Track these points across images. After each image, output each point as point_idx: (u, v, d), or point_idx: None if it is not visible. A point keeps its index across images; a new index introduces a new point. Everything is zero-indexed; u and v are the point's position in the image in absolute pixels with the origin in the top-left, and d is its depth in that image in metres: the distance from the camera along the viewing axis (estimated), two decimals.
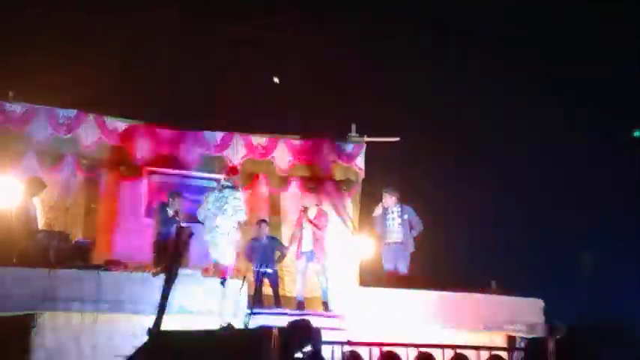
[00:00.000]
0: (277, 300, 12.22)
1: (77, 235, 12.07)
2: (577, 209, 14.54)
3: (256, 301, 11.84)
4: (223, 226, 11.34)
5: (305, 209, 12.34)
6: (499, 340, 11.53)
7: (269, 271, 12.16)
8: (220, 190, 11.71)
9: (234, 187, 11.74)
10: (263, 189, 13.78)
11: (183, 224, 11.67)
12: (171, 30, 14.19)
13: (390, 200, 12.45)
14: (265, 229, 12.54)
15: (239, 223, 11.48)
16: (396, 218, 12.38)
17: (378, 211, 12.56)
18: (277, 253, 12.55)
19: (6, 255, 10.42)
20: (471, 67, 15.12)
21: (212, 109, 14.07)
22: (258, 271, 12.09)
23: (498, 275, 12.47)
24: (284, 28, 14.92)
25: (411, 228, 12.36)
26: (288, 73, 15.11)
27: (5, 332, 9.54)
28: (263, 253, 12.23)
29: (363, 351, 9.44)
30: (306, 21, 14.95)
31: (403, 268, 12.31)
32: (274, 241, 12.61)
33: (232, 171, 12.05)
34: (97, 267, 10.70)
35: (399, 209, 12.41)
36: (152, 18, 13.85)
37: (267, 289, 12.40)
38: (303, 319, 8.99)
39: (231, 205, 11.45)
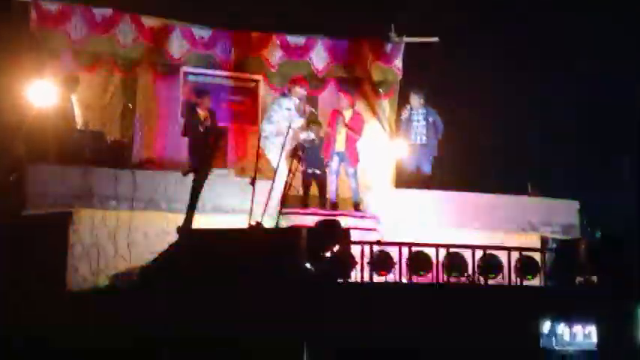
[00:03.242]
0: (323, 201, 12.23)
1: (114, 135, 12.22)
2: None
3: (302, 201, 11.96)
4: (266, 131, 11.38)
5: (340, 111, 12.26)
6: (533, 242, 11.52)
7: (318, 172, 12.21)
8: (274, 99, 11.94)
9: (284, 95, 11.80)
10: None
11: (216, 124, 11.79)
12: None
13: (415, 102, 12.50)
14: (316, 131, 12.50)
15: (289, 128, 11.35)
16: (420, 120, 12.50)
17: (405, 113, 12.58)
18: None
19: (43, 153, 10.60)
20: None
21: (249, 8, 13.86)
22: (307, 172, 12.13)
23: (534, 178, 12.38)
24: None
25: (436, 131, 12.43)
26: None
27: (44, 228, 9.79)
28: (313, 155, 12.23)
29: (392, 251, 9.57)
30: None
31: (427, 168, 12.46)
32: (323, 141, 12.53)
33: (292, 82, 12.08)
34: (133, 166, 10.86)
35: (425, 111, 12.50)
36: None
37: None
38: (332, 220, 9.09)
39: (277, 112, 11.47)
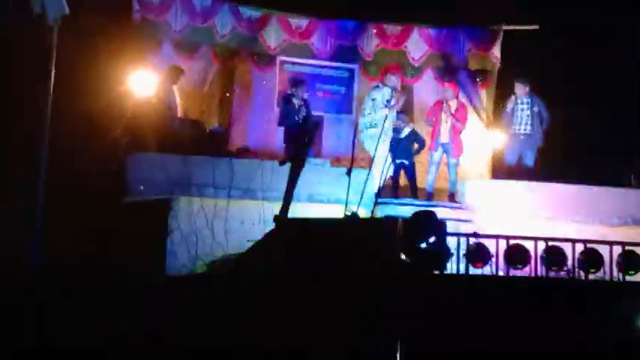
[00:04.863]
0: (414, 191, 12.16)
1: (212, 124, 12.43)
2: None
3: (393, 191, 11.92)
4: (361, 121, 11.44)
5: (446, 102, 12.14)
6: (636, 235, 11.11)
7: (406, 162, 12.13)
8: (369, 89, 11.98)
9: (379, 84, 11.78)
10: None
11: (312, 114, 11.83)
12: None
13: (521, 91, 12.16)
14: (406, 121, 12.41)
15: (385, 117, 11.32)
16: (525, 109, 12.14)
17: (510, 103, 12.26)
18: (415, 145, 12.42)
19: (144, 141, 10.85)
20: None
21: None
22: (396, 162, 12.06)
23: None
24: None
25: (541, 121, 12.08)
26: None
27: (144, 215, 10.03)
28: (403, 145, 12.14)
29: (489, 243, 9.40)
30: None
31: (530, 160, 12.12)
32: (413, 133, 12.46)
33: (387, 71, 12.15)
34: (230, 154, 10.99)
35: (530, 100, 12.14)
36: None
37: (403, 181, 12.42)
38: (429, 211, 8.96)
39: (373, 102, 11.46)
